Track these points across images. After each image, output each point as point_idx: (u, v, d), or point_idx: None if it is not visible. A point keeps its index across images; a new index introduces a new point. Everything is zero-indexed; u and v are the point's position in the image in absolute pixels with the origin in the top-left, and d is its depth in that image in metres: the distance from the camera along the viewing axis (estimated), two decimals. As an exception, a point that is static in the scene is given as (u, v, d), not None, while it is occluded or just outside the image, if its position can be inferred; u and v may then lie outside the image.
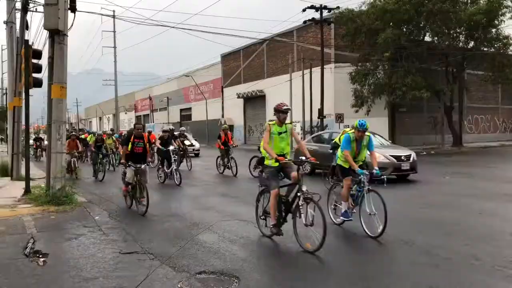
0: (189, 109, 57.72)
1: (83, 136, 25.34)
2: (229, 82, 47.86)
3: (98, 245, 6.70)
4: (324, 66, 30.54)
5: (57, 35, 10.49)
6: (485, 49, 30.75)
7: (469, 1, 30.01)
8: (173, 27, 24.13)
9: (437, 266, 5.39)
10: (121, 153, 10.02)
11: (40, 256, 6.05)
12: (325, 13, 31.22)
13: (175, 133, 18.01)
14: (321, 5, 30.55)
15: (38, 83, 11.83)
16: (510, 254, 5.78)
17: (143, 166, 9.54)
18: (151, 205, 10.34)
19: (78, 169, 16.86)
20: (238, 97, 44.57)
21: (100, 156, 16.66)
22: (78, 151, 17.29)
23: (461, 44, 31.26)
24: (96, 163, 16.61)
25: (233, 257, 5.94)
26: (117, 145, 20.89)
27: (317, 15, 30.75)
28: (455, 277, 4.99)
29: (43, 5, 10.71)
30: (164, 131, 15.80)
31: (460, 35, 30.97)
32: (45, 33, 11.70)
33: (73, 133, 18.60)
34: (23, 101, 13.35)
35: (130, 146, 9.62)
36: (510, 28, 30.42)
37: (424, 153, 27.20)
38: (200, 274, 5.26)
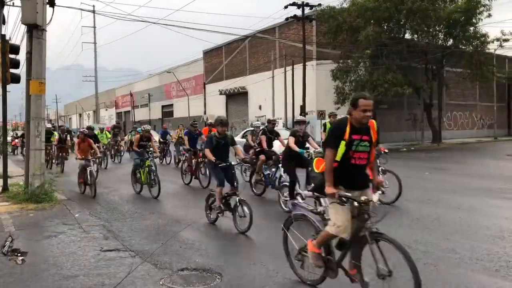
0: (171, 105, 57.31)
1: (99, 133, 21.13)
2: (211, 79, 47.66)
3: (79, 242, 6.62)
4: (306, 63, 30.66)
5: (35, 29, 10.31)
6: (463, 47, 31.27)
7: (448, -1, 30.48)
8: (154, 23, 23.90)
9: (417, 260, 5.47)
10: (325, 171, 4.22)
11: (19, 254, 5.95)
12: (307, 10, 31.29)
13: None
14: (303, 2, 30.63)
15: (15, 79, 11.59)
16: (488, 248, 5.91)
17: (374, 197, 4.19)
18: (132, 202, 10.26)
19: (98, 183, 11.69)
20: (220, 93, 44.43)
21: (148, 162, 11.10)
22: (97, 156, 13.18)
23: (440, 42, 31.74)
24: (138, 171, 11.45)
25: (215, 253, 5.94)
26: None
27: (299, 12, 30.81)
28: (434, 270, 5.08)
29: (20, -1, 10.49)
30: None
31: (439, 33, 31.44)
32: (23, 28, 11.47)
33: (83, 130, 13.77)
34: (0, 97, 13.07)
35: (343, 151, 4.14)
36: (488, 26, 31.04)
37: (404, 149, 27.61)
38: (182, 271, 5.25)
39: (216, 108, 46.54)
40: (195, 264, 5.48)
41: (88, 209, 9.37)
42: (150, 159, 11.23)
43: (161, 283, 4.86)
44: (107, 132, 22.24)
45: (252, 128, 13.19)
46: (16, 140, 31.92)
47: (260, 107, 39.32)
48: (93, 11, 37.30)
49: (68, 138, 18.66)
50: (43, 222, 8.16)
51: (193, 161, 13.05)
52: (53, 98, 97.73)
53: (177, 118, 53.12)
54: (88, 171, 11.20)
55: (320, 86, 32.60)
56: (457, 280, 4.81)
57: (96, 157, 12.82)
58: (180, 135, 18.28)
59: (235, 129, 44.46)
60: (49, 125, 22.82)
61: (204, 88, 48.48)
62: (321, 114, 31.42)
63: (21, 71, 12.13)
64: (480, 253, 5.70)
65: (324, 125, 12.55)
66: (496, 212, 8.26)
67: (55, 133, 26.39)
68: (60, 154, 18.14)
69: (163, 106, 59.54)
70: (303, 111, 30.69)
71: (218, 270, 5.20)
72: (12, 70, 11.43)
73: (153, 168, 11.21)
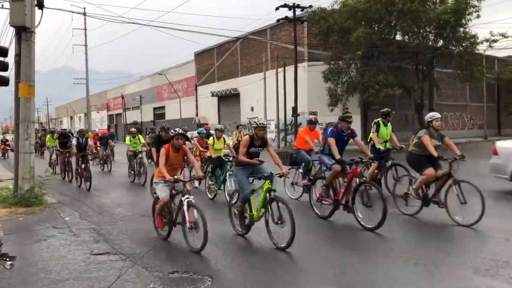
0: (163, 107, 57.17)
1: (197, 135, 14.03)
2: (203, 81, 47.61)
3: (69, 246, 6.57)
4: (298, 65, 30.74)
5: (24, 32, 10.23)
6: (453, 48, 31.52)
7: (437, 0, 30.69)
8: (145, 25, 23.83)
9: (408, 260, 5.48)
10: None
11: (7, 259, 5.86)
12: (298, 11, 31.43)
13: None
14: (294, 3, 30.73)
15: (4, 82, 11.46)
16: (477, 247, 5.93)
17: None
18: (123, 205, 10.20)
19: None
20: (212, 95, 44.39)
21: (268, 184, 6.40)
22: (199, 176, 6.86)
23: (430, 43, 31.98)
24: (245, 197, 6.74)
25: (206, 256, 5.92)
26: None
27: (290, 14, 30.92)
28: (425, 270, 5.09)
29: (9, 1, 10.42)
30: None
31: (430, 34, 31.67)
32: (12, 30, 11.37)
33: (177, 130, 6.88)
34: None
35: None
36: (477, 27, 31.35)
37: (395, 149, 27.72)
38: (173, 274, 5.23)
39: (208, 110, 46.51)
40: (186, 267, 5.46)
41: (78, 213, 9.29)
42: (271, 177, 6.41)
43: (151, 286, 4.83)
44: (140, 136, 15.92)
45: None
46: (8, 142, 31.61)
47: (252, 109, 39.34)
48: (84, 13, 37.12)
49: (90, 142, 14.09)
50: (33, 226, 8.08)
51: (339, 180, 8.08)
52: (43, 101, 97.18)
53: (169, 120, 53.05)
54: (185, 203, 6.16)
55: (312, 87, 32.70)
56: (447, 279, 4.83)
57: (196, 177, 6.95)
58: (239, 138, 14.40)
59: (228, 130, 44.48)
60: (63, 126, 20.49)
61: (196, 90, 48.44)
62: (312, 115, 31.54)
63: (10, 73, 12.03)
64: (470, 252, 5.74)
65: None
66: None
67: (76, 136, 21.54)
68: (84, 166, 13.11)
69: (154, 108, 59.38)
70: (295, 113, 30.76)
71: (209, 273, 5.19)
72: (0, 73, 11.33)
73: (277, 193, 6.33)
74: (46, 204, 10.02)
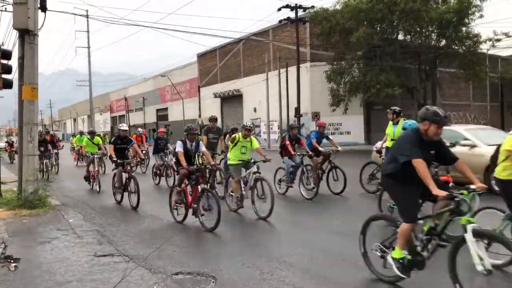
0: (166, 109, 57.24)
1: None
2: (206, 82, 47.64)
3: (72, 248, 6.58)
4: (300, 65, 30.74)
5: (27, 34, 10.27)
6: (456, 47, 31.41)
7: (440, 0, 30.63)
8: (148, 27, 23.96)
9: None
10: None
11: (12, 261, 5.90)
12: (300, 12, 31.45)
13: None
14: (296, 4, 30.76)
15: (8, 84, 11.52)
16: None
17: None
18: (126, 207, 10.20)
19: None
20: (215, 96, 44.43)
21: None
22: None
23: (433, 42, 31.89)
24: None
25: (209, 257, 5.93)
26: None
27: (292, 15, 30.97)
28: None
29: (12, 4, 10.46)
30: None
31: (432, 34, 31.58)
32: (15, 33, 11.43)
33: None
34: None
35: None
36: (480, 27, 31.31)
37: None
38: (176, 275, 5.23)
39: (211, 111, 46.48)
40: (189, 267, 5.47)
41: (82, 214, 9.31)
42: None
43: (155, 287, 4.84)
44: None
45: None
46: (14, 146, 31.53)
47: (255, 110, 39.36)
48: (87, 16, 37.21)
49: (203, 148, 8.91)
50: (37, 228, 8.11)
51: None
52: (47, 103, 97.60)
53: (172, 122, 53.16)
54: None
55: (314, 87, 32.70)
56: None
57: None
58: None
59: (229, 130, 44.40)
60: (124, 126, 11.79)
61: (199, 91, 48.48)
62: (315, 116, 31.53)
63: (14, 76, 12.08)
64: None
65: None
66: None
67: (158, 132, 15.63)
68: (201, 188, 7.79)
69: (157, 110, 59.46)
70: (297, 113, 30.77)
71: (212, 274, 5.19)
72: (4, 76, 11.37)
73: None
74: (49, 206, 10.04)
